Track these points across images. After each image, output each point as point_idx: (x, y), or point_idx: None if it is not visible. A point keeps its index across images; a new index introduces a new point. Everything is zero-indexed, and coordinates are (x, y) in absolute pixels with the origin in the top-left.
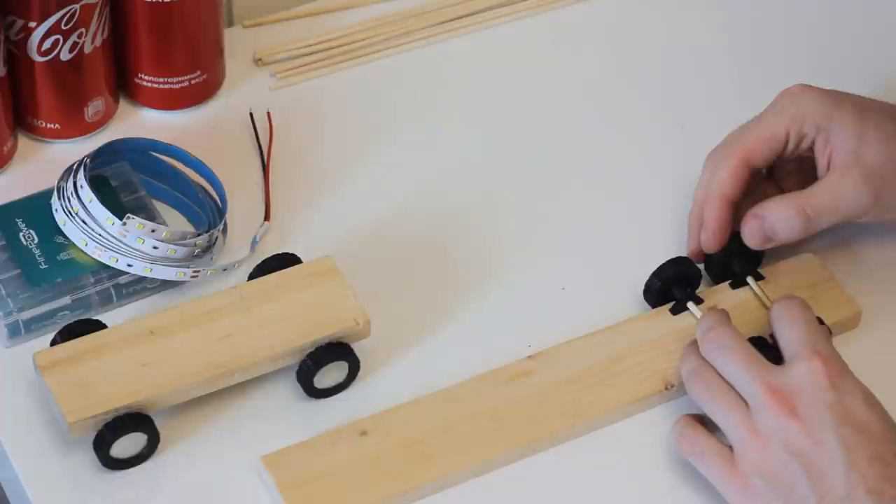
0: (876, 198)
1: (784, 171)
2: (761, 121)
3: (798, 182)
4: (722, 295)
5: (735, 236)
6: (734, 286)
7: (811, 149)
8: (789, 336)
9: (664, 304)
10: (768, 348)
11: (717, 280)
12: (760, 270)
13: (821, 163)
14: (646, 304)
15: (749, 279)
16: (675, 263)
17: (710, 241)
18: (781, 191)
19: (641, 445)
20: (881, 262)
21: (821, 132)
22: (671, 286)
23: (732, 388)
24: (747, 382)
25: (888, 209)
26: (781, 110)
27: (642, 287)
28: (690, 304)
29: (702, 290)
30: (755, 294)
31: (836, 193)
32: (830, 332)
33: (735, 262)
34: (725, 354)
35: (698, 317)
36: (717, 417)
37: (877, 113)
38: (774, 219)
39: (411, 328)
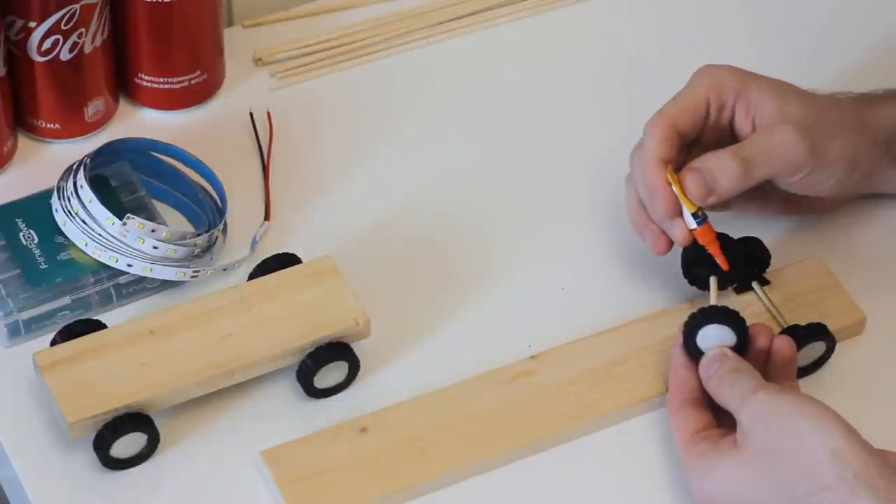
0: (810, 147)
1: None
2: (679, 94)
3: (743, 198)
4: (726, 300)
5: (739, 242)
6: (739, 291)
7: (732, 123)
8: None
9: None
10: (800, 335)
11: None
12: (766, 276)
13: (745, 126)
14: (646, 304)
15: (754, 284)
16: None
17: (662, 208)
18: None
19: (642, 447)
20: (887, 269)
21: (740, 97)
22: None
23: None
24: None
25: (824, 162)
26: (699, 81)
27: (642, 287)
28: (712, 280)
29: (707, 299)
30: (760, 299)
31: (769, 141)
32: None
33: (741, 267)
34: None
35: (712, 292)
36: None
37: (788, 82)
38: (712, 165)
39: (411, 328)
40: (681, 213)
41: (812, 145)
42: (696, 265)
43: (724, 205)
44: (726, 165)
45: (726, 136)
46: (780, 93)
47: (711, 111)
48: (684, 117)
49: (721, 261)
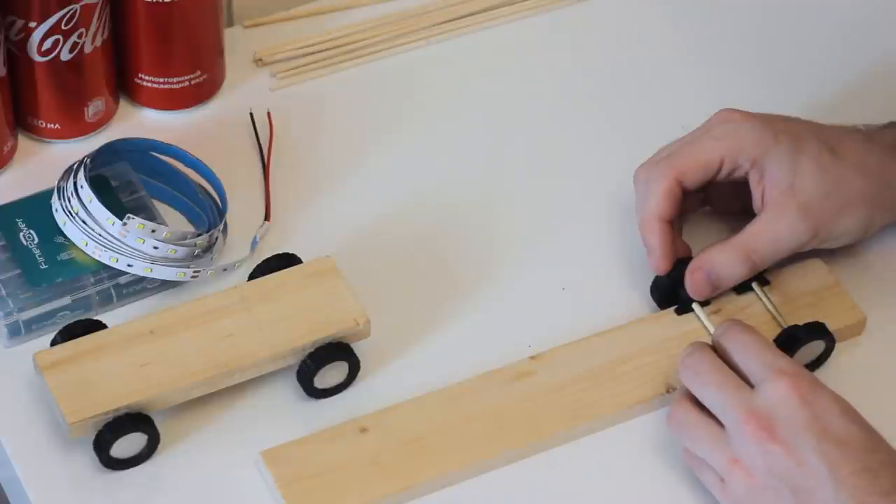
0: (815, 232)
1: (713, 190)
2: (697, 144)
3: (724, 198)
4: (726, 300)
5: None
6: (739, 291)
7: (742, 178)
8: (746, 362)
9: (669, 302)
10: (799, 335)
11: (662, 306)
12: (766, 276)
13: (756, 194)
14: (646, 304)
15: (754, 284)
16: (684, 262)
17: (659, 263)
18: (703, 202)
19: (642, 447)
20: (887, 270)
21: (755, 165)
22: (678, 285)
23: (710, 416)
24: (724, 408)
25: (827, 239)
26: (720, 137)
27: (642, 288)
28: (695, 306)
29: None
30: (760, 299)
31: (775, 234)
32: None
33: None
34: (701, 380)
35: (703, 319)
36: (697, 451)
37: (813, 141)
38: (720, 268)
39: (411, 328)
40: (668, 270)
41: (817, 227)
42: (679, 285)
43: (701, 202)
44: (734, 267)
45: (734, 186)
46: (795, 164)
47: (723, 169)
48: (694, 173)
49: None
